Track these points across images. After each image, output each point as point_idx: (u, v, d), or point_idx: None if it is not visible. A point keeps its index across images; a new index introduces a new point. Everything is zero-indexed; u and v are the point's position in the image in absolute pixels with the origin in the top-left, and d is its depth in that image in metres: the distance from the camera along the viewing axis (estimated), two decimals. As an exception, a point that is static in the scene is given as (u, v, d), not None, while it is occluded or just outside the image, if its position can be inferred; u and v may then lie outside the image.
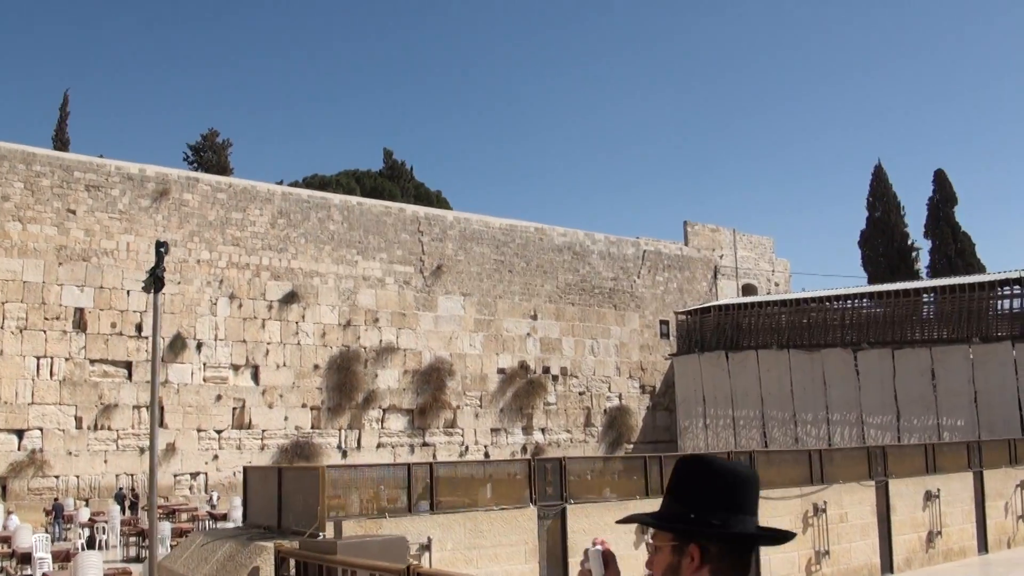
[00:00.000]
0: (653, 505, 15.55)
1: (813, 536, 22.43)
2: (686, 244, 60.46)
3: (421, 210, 51.07)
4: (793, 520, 22.00)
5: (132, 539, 30.99)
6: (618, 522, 3.91)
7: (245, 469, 19.97)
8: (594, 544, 3.73)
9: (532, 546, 17.31)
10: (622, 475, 20.41)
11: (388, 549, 12.38)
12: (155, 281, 14.14)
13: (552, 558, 17.59)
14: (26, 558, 24.57)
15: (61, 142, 56.46)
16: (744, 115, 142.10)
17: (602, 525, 18.18)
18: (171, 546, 27.85)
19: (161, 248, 14.49)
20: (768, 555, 20.87)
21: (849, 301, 49.25)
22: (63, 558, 24.20)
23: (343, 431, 45.12)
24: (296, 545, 13.12)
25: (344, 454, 44.80)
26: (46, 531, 28.99)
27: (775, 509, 21.52)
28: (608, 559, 3.68)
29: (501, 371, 50.59)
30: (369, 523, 15.14)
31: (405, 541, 13.15)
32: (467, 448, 48.44)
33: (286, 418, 43.54)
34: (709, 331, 52.86)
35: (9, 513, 29.78)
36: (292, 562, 12.33)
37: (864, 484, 24.40)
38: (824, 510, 22.76)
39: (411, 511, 16.10)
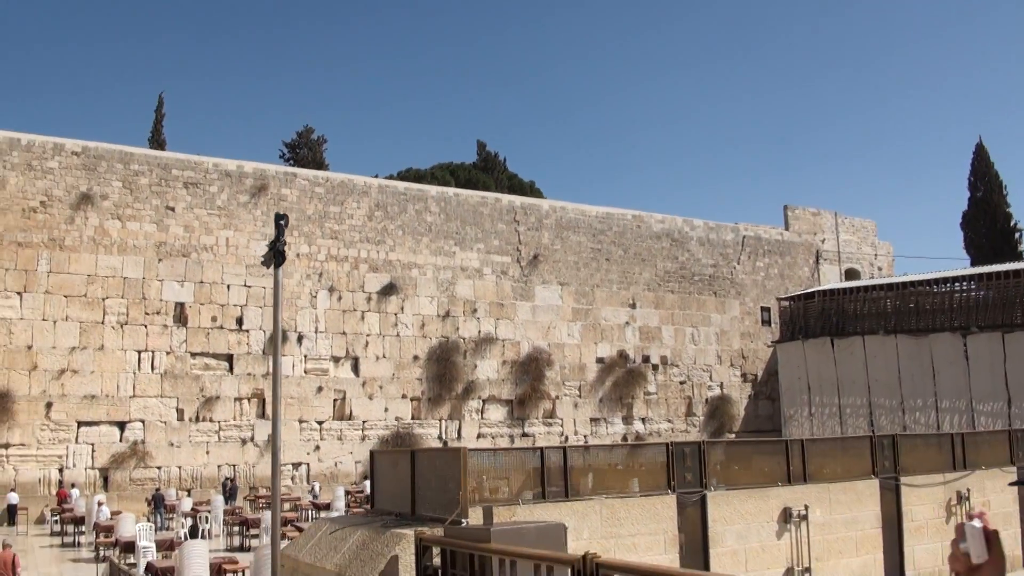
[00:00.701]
0: (797, 493, 14.36)
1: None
2: (786, 229, 58.84)
3: (517, 199, 50.42)
4: (936, 509, 20.87)
5: (236, 528, 30.86)
6: (1011, 484, 2.96)
7: (372, 453, 18.61)
8: (971, 518, 2.86)
9: (672, 535, 16.23)
10: (762, 459, 19.12)
11: (545, 536, 11.27)
12: (276, 256, 13.26)
13: (692, 548, 16.48)
14: (129, 547, 24.42)
15: (157, 143, 56.94)
16: (842, 96, 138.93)
17: (743, 513, 17.31)
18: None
19: (281, 221, 13.56)
20: (912, 547, 19.78)
21: (957, 284, 47.35)
22: (167, 547, 24.06)
23: (443, 422, 44.71)
24: (439, 532, 11.96)
25: (445, 444, 44.37)
26: (148, 520, 28.93)
27: (919, 497, 20.44)
28: (991, 538, 2.81)
29: (600, 360, 49.71)
30: (502, 510, 13.86)
31: (563, 528, 11.82)
32: (566, 438, 47.68)
33: (386, 409, 43.25)
34: (813, 317, 51.30)
35: (100, 504, 29.75)
36: (436, 551, 11.29)
37: (1006, 470, 22.88)
38: (967, 498, 21.46)
39: (545, 497, 15.08)
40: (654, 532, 15.97)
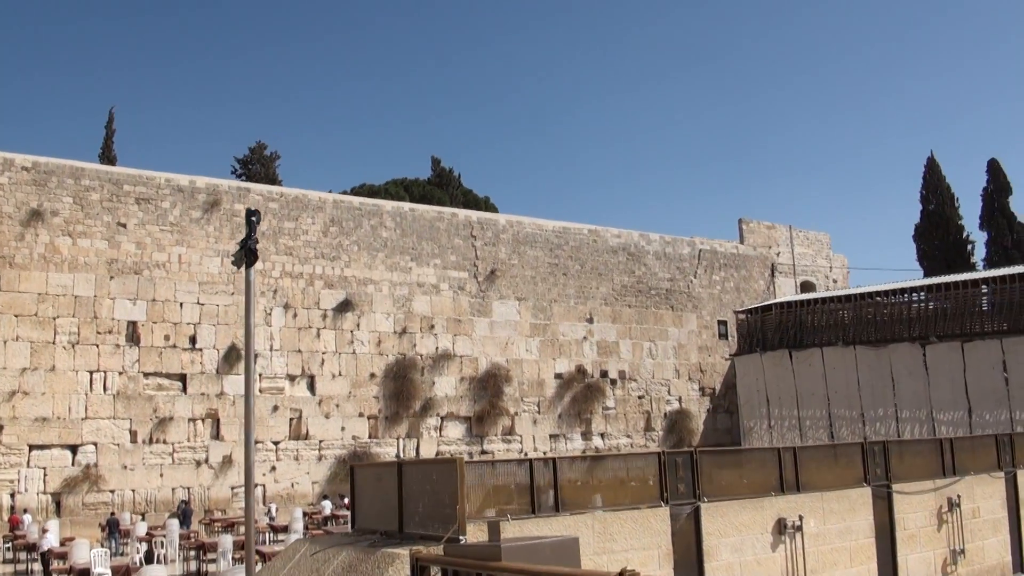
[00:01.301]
0: (791, 502, 13.65)
1: (948, 533, 20.89)
2: (742, 242, 58.74)
3: (474, 214, 49.86)
4: (928, 516, 20.49)
5: (192, 553, 29.99)
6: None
7: (352, 467, 17.10)
8: None
9: (666, 550, 15.48)
10: (754, 468, 18.41)
11: (561, 552, 10.20)
12: (247, 254, 12.33)
13: (686, 563, 15.73)
14: (84, 574, 23.54)
15: (108, 159, 55.89)
16: (795, 110, 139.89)
17: (737, 525, 16.67)
18: (233, 560, 26.79)
19: (252, 217, 12.63)
20: (906, 556, 19.32)
21: (914, 295, 47.39)
22: (122, 573, 23.31)
23: (401, 440, 43.96)
24: (437, 551, 10.95)
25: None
26: (102, 546, 27.98)
27: (910, 505, 20.00)
28: None
29: (558, 376, 49.20)
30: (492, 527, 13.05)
31: (577, 542, 10.69)
32: (526, 455, 47.07)
33: (343, 428, 42.45)
34: (771, 330, 51.17)
35: (44, 532, 28.57)
36: (434, 571, 10.09)
37: (994, 476, 22.70)
38: (958, 505, 21.15)
39: (535, 512, 14.16)
40: (648, 547, 15.23)
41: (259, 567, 18.60)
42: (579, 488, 15.15)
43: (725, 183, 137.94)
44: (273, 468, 40.66)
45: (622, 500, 15.48)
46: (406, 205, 47.76)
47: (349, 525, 32.76)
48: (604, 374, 50.70)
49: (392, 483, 13.94)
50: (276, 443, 40.86)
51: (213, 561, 28.29)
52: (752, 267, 58.49)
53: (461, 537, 11.68)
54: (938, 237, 68.13)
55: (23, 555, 30.49)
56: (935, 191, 68.93)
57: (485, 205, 68.23)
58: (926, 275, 62.41)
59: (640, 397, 52.01)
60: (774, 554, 16.73)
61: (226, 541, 27.87)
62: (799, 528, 17.44)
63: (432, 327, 45.62)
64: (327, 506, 38.06)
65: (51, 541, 27.04)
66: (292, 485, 40.74)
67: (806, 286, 60.97)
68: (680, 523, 15.82)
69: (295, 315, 42.27)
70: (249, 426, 12.46)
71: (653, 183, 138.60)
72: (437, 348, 45.57)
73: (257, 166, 64.52)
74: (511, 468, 15.19)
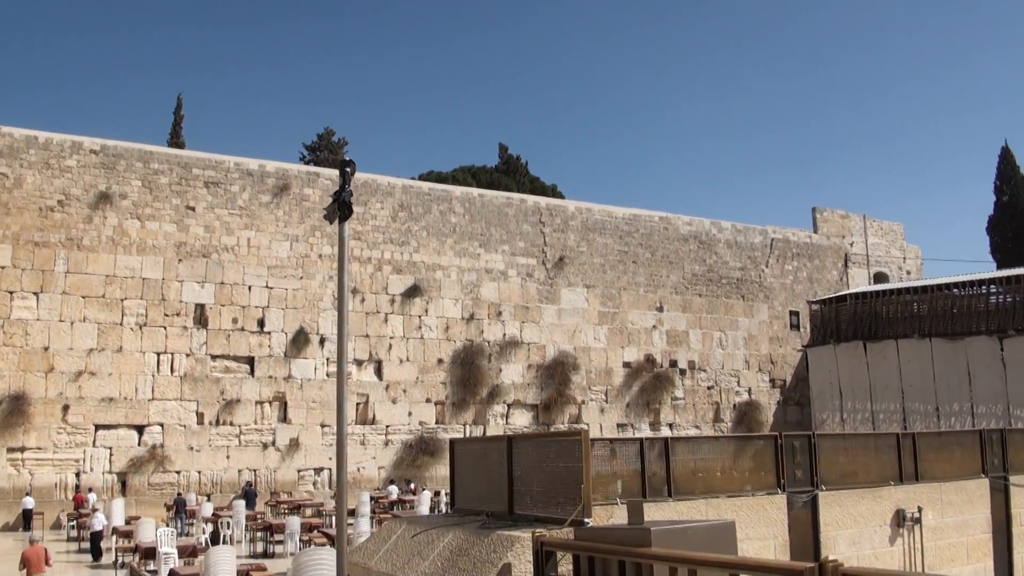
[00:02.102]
0: (909, 493, 10.78)
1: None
2: (815, 232, 57.10)
3: (543, 200, 48.92)
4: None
5: (259, 534, 29.47)
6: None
7: (452, 443, 15.10)
8: None
9: (783, 540, 14.03)
10: (872, 455, 16.80)
11: (718, 537, 8.74)
12: (341, 207, 10.98)
13: (802, 557, 13.96)
14: (150, 553, 22.99)
15: (176, 145, 55.71)
16: (870, 98, 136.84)
17: (855, 516, 15.31)
18: (300, 542, 26.22)
19: (347, 168, 11.33)
20: (1022, 554, 17.77)
21: (992, 286, 45.59)
22: (189, 553, 22.75)
23: (468, 426, 43.24)
24: (564, 535, 9.38)
25: (469, 450, 42.88)
26: (167, 526, 27.52)
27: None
28: None
29: (627, 365, 48.12)
30: (599, 511, 11.35)
31: (733, 527, 9.28)
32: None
33: (410, 413, 41.83)
34: (844, 321, 49.57)
35: (94, 511, 28.09)
36: (561, 557, 8.49)
37: None
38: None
39: (645, 496, 12.56)
40: (764, 537, 13.82)
41: (327, 548, 17.71)
42: (691, 472, 13.59)
43: (798, 171, 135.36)
44: (339, 453, 40.07)
45: (735, 485, 13.94)
46: (475, 190, 46.98)
47: (416, 510, 32.16)
48: (673, 364, 49.53)
49: (500, 460, 12.31)
50: (342, 428, 40.27)
51: (280, 543, 27.75)
52: (825, 257, 56.86)
53: (586, 520, 9.98)
54: (1012, 229, 65.77)
55: (87, 533, 30.14)
56: (1009, 182, 66.57)
57: (552, 193, 67.09)
58: (999, 267, 60.23)
59: (709, 388, 50.75)
60: (892, 548, 15.29)
61: (293, 523, 27.32)
62: (918, 520, 16.03)
63: (500, 314, 44.81)
64: (393, 491, 37.48)
65: (102, 521, 26.53)
66: (358, 469, 40.18)
67: (879, 277, 59.22)
68: (796, 512, 14.34)
69: (363, 300, 41.70)
70: (342, 392, 10.79)
71: (725, 170, 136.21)
72: (504, 335, 44.76)
73: (325, 153, 64.06)
74: (621, 447, 13.57)
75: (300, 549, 25.98)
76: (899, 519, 15.79)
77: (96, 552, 26.00)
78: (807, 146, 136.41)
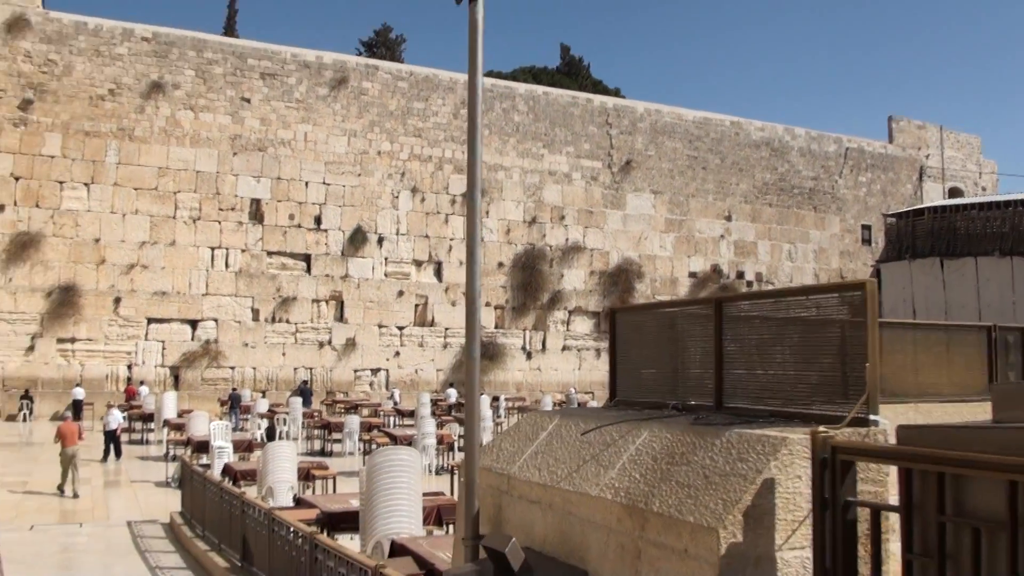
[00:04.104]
0: None
1: None
2: (890, 142, 53.79)
3: (610, 100, 46.15)
4: None
5: (315, 432, 27.80)
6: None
7: (613, 312, 8.99)
8: None
9: None
10: None
11: None
12: None
13: None
14: (202, 447, 21.28)
15: (230, 35, 53.54)
16: (950, 5, 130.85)
17: None
18: (360, 442, 24.45)
19: None
20: None
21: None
22: (244, 448, 21.07)
23: (527, 332, 41.22)
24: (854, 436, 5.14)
25: (529, 356, 40.93)
26: (220, 419, 25.87)
27: None
28: None
29: (692, 275, 45.65)
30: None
31: None
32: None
33: (469, 317, 39.78)
34: (921, 236, 46.66)
35: (109, 407, 25.81)
36: (876, 471, 4.94)
37: None
38: None
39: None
40: None
41: (407, 448, 14.86)
42: (898, 366, 10.00)
43: (874, 77, 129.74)
44: (397, 353, 38.39)
45: (938, 387, 10.34)
46: (539, 88, 44.30)
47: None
48: (740, 275, 46.98)
49: (702, 333, 7.05)
50: (401, 328, 38.53)
51: (338, 441, 26.06)
52: (900, 169, 53.62)
53: (871, 417, 5.60)
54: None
55: (138, 424, 28.81)
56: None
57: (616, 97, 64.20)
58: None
59: (776, 301, 48.09)
60: None
61: (353, 422, 25.62)
62: None
63: (563, 218, 42.46)
64: (452, 394, 35.79)
65: (117, 419, 24.29)
66: (416, 372, 38.45)
67: (954, 192, 55.90)
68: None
69: (423, 199, 39.59)
70: (473, 277, 6.59)
71: (798, 74, 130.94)
72: (567, 240, 42.47)
73: (382, 49, 61.29)
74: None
75: (359, 449, 24.38)
76: None
77: (108, 451, 23.62)
78: (883, 52, 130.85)
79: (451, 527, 11.59)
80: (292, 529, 8.96)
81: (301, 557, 8.49)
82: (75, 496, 18.51)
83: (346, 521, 11.45)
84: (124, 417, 30.41)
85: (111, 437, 23.53)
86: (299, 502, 13.06)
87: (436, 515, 11.77)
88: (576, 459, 6.63)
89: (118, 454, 23.76)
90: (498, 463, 7.04)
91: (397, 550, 8.77)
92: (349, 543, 8.92)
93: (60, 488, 18.72)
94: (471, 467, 6.54)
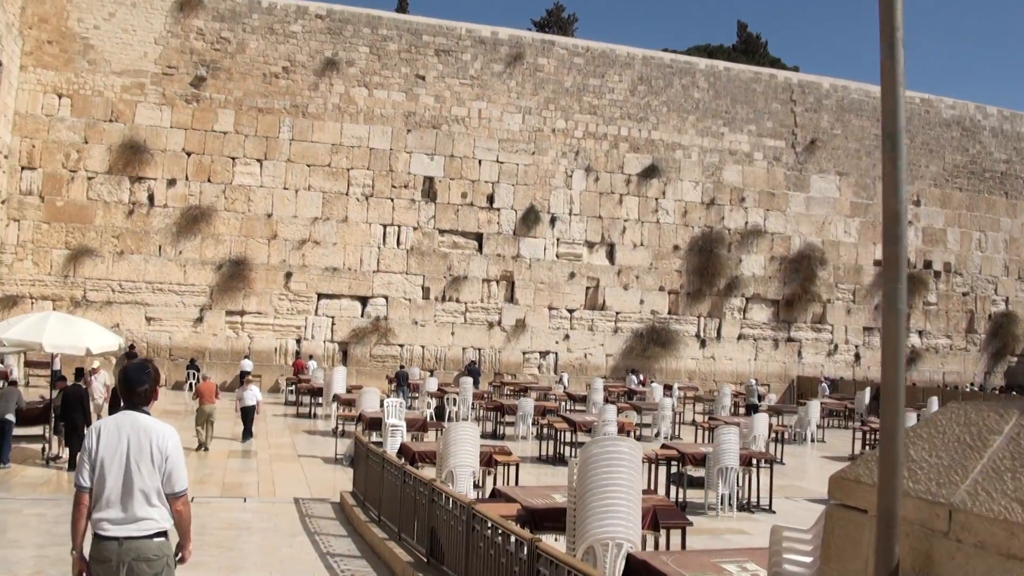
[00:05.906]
0: None
1: None
2: (1094, 124, 49.19)
3: (794, 76, 43.14)
4: None
5: (485, 413, 26.14)
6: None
7: None
8: None
9: None
10: None
11: None
12: None
13: None
14: (374, 423, 19.79)
15: (402, 11, 52.57)
16: None
17: None
18: (534, 425, 22.72)
19: None
20: None
21: None
22: (418, 427, 19.54)
23: (702, 319, 38.84)
24: None
25: (703, 343, 38.59)
26: (388, 396, 24.45)
27: None
28: None
29: (878, 263, 42.23)
30: None
31: None
32: (836, 347, 41.01)
33: (642, 301, 37.74)
34: None
35: (248, 382, 23.47)
36: None
37: None
38: None
39: None
40: None
41: (627, 439, 13.35)
42: None
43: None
44: (567, 336, 36.61)
45: None
46: (720, 63, 41.68)
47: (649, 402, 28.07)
48: (927, 265, 43.50)
49: None
50: (571, 311, 36.73)
51: (511, 424, 24.32)
52: (1104, 154, 48.98)
53: None
54: None
55: (306, 399, 27.73)
56: None
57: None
58: None
59: (964, 294, 44.47)
60: None
61: (527, 405, 23.86)
62: None
63: (742, 200, 39.87)
64: (633, 379, 33.75)
65: (256, 395, 21.31)
66: (585, 356, 36.59)
67: None
68: None
69: (597, 179, 37.62)
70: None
71: (989, 49, 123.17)
72: (747, 223, 39.87)
73: (554, 29, 59.49)
74: None
75: (531, 434, 22.74)
76: None
77: (248, 432, 21.03)
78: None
79: (670, 533, 9.91)
80: (501, 530, 7.09)
81: (514, 566, 6.60)
82: (205, 449, 18.95)
83: (549, 519, 9.54)
84: (291, 391, 29.55)
85: (248, 414, 21.27)
86: (496, 494, 11.20)
87: (652, 517, 9.68)
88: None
89: (248, 434, 21.51)
90: (917, 484, 3.72)
91: (636, 567, 6.65)
92: (554, 544, 6.95)
93: (204, 446, 18.99)
94: (890, 490, 3.29)
